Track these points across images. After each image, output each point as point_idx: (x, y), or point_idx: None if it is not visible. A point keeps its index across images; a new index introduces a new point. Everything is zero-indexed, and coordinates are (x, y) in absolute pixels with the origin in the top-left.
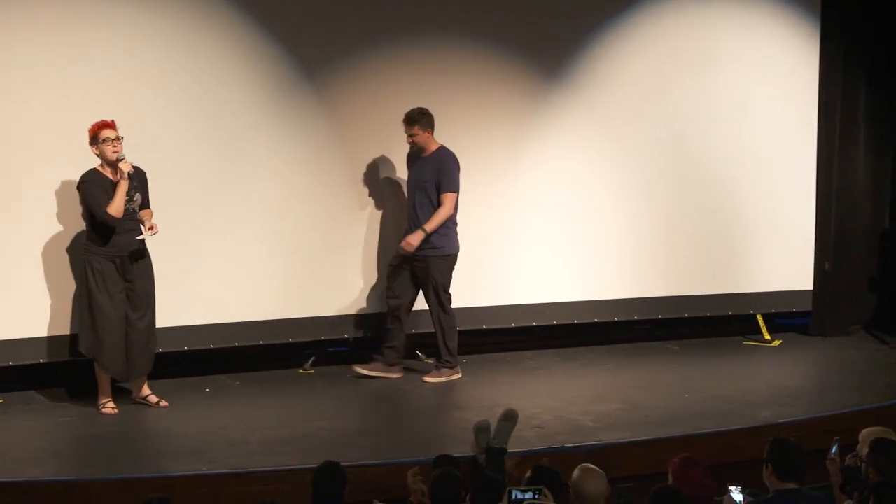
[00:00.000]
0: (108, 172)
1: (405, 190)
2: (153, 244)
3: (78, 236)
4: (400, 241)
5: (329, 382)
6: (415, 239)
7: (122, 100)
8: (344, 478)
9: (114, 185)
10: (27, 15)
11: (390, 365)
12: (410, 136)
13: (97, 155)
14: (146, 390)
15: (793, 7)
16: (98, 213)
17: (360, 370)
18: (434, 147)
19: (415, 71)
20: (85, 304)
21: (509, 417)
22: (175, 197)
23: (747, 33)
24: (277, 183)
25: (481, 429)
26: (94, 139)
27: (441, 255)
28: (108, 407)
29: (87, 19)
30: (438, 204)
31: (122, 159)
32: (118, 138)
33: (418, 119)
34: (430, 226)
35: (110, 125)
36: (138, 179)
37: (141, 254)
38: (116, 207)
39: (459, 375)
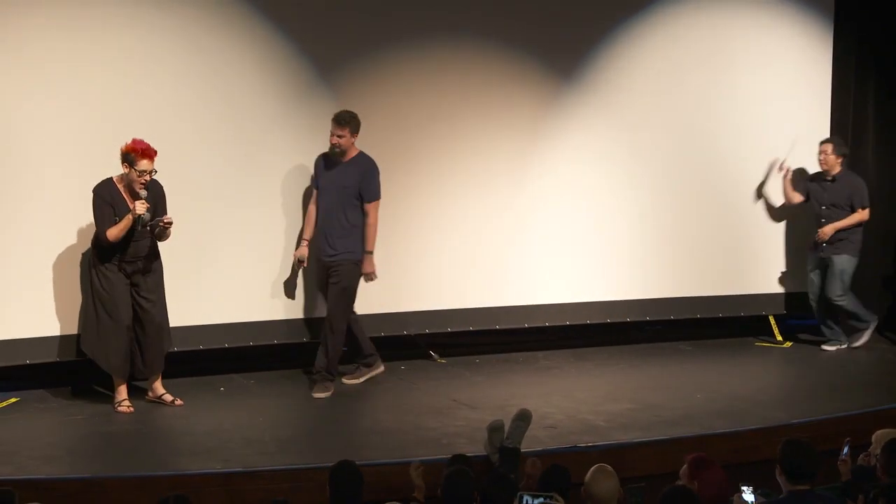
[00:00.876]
0: (121, 187)
1: (419, 185)
2: (169, 244)
3: (89, 237)
4: (300, 249)
5: (343, 381)
6: (370, 266)
7: (134, 100)
8: (360, 477)
9: (123, 201)
10: (37, 13)
11: (369, 366)
12: (338, 137)
13: (124, 170)
14: (160, 389)
15: (805, 9)
16: (99, 229)
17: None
18: (354, 153)
19: (429, 73)
20: (89, 304)
21: (523, 417)
22: (189, 196)
23: (759, 36)
24: (292, 183)
25: (495, 428)
26: (129, 160)
27: (354, 259)
28: (124, 405)
29: (99, 18)
30: (362, 211)
31: (141, 198)
32: (152, 172)
33: (349, 122)
34: (371, 245)
35: (150, 156)
36: (154, 193)
37: (149, 258)
38: (115, 235)
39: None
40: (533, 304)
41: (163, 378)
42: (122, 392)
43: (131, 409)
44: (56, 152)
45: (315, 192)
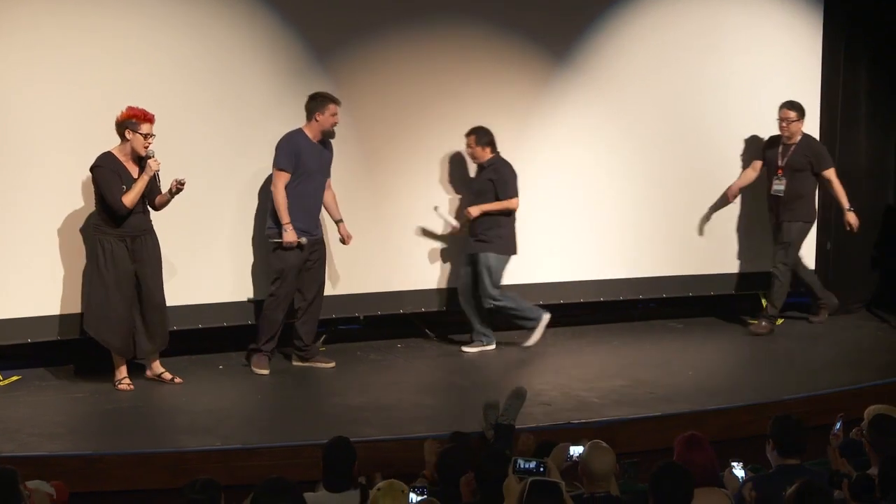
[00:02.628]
0: (122, 158)
1: (416, 169)
2: (168, 225)
3: (89, 216)
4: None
5: (340, 360)
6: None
7: (132, 83)
8: (353, 453)
9: (126, 171)
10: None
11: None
12: (334, 115)
13: (123, 138)
14: (159, 367)
15: None
16: (111, 200)
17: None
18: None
19: (425, 56)
20: (93, 283)
21: (518, 395)
22: (188, 176)
23: (750, 17)
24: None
25: (490, 406)
26: (133, 125)
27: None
28: (124, 383)
29: (98, 2)
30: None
31: (151, 156)
32: (153, 135)
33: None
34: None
35: (151, 119)
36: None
37: (149, 232)
38: (132, 199)
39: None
40: (527, 282)
41: (162, 356)
42: (123, 370)
43: (131, 386)
44: (57, 135)
45: (286, 174)
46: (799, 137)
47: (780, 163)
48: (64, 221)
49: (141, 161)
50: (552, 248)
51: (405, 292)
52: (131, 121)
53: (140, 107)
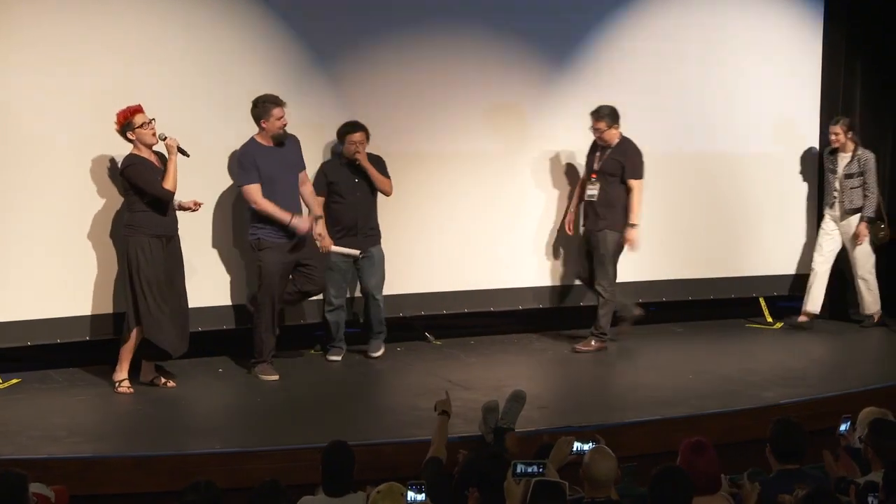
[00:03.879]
0: (145, 154)
1: (415, 170)
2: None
3: (120, 219)
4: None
5: (339, 364)
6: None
7: (128, 83)
8: (352, 456)
9: (154, 165)
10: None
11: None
12: (279, 119)
13: (132, 140)
14: (154, 372)
15: None
16: (155, 189)
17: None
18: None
19: (423, 59)
20: (137, 286)
21: (517, 398)
22: (186, 179)
23: (752, 19)
24: None
25: (490, 409)
26: (129, 125)
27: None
28: (125, 386)
29: (99, 2)
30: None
31: (164, 138)
32: (152, 120)
33: None
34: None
35: (140, 110)
36: (157, 156)
37: (177, 235)
38: (172, 182)
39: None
40: (526, 286)
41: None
42: (125, 373)
43: (132, 390)
44: (54, 135)
45: (255, 185)
46: (616, 142)
47: (595, 167)
48: (64, 222)
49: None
50: (551, 252)
51: (405, 295)
52: (126, 123)
53: (122, 107)
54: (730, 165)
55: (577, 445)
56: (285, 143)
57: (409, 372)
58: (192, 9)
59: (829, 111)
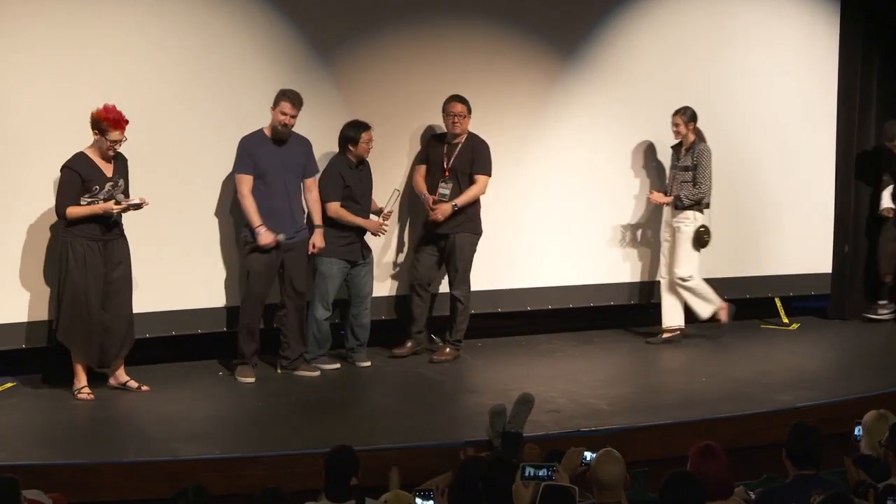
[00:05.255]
0: (95, 157)
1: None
2: (167, 227)
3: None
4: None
5: (341, 366)
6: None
7: (129, 82)
8: (356, 461)
9: (99, 171)
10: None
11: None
12: (292, 117)
13: (94, 136)
14: (124, 376)
15: None
16: (59, 202)
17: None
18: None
19: (429, 52)
20: (63, 290)
21: (525, 402)
22: (186, 176)
23: (767, 14)
24: None
25: (497, 413)
26: (101, 129)
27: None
28: (84, 393)
29: (98, 2)
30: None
31: (142, 201)
32: (122, 141)
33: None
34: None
35: (122, 126)
36: (121, 164)
37: (121, 237)
38: (74, 214)
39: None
40: (535, 286)
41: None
42: (83, 379)
43: (92, 396)
44: (54, 136)
45: (246, 177)
46: (465, 136)
47: (445, 164)
48: (61, 224)
49: (113, 160)
50: (560, 251)
51: (405, 296)
52: (102, 124)
53: (116, 109)
54: (745, 161)
55: (587, 455)
56: (288, 142)
57: (415, 375)
58: (191, 9)
59: (847, 110)
